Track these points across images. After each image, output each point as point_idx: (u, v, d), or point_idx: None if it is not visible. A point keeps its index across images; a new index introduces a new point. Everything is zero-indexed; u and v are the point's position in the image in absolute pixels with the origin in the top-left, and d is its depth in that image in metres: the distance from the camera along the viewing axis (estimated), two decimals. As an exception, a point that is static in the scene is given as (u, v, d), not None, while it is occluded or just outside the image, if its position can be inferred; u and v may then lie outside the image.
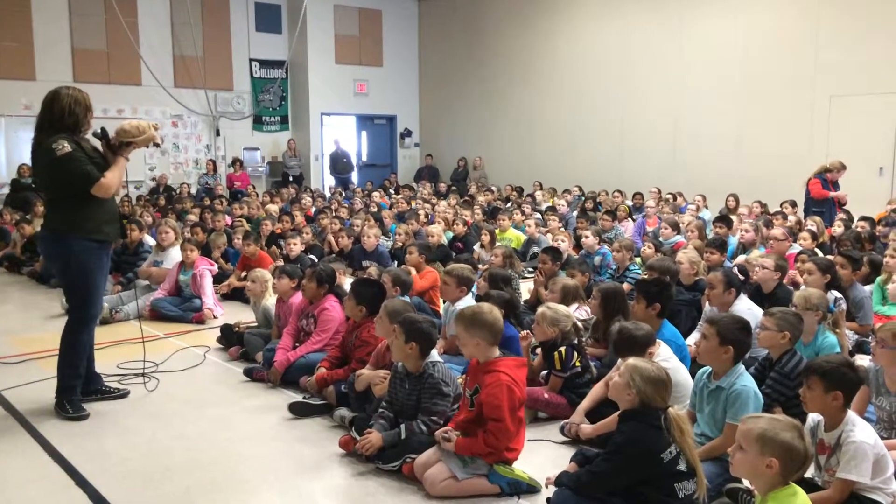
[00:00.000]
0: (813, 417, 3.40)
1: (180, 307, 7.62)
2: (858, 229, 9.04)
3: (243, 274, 8.04)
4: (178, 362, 6.13)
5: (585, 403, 4.52)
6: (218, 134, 18.54)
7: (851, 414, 3.33)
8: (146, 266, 8.33)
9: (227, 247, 9.38)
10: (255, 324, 6.60)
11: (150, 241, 9.06)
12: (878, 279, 6.56)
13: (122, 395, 5.26)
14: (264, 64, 18.98)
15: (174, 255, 8.15)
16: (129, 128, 4.87)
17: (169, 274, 7.90)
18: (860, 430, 3.26)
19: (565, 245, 8.51)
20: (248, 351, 6.10)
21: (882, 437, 3.89)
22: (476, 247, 10.00)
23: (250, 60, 18.80)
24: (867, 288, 6.48)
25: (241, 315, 7.18)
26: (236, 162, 17.99)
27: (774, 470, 2.61)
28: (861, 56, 12.36)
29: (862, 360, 4.64)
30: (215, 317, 7.57)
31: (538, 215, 12.17)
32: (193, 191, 16.90)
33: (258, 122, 19.20)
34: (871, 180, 12.28)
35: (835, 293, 5.74)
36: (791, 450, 2.60)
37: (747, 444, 2.67)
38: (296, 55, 18.94)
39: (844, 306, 5.78)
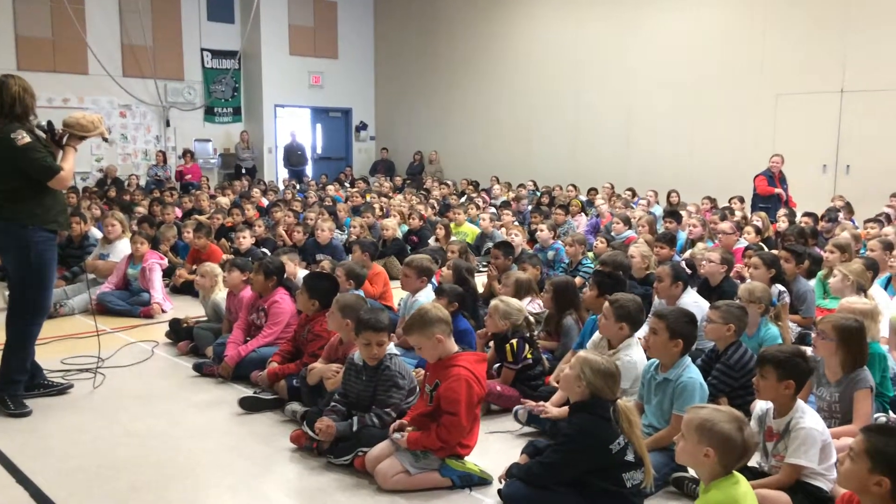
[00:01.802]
0: (762, 405, 3.50)
1: (128, 301, 7.46)
2: (802, 225, 9.30)
3: (193, 267, 7.90)
4: (126, 357, 6.01)
5: (557, 397, 4.52)
6: (168, 125, 18.17)
7: (800, 402, 3.44)
8: (92, 259, 8.14)
9: (176, 240, 9.21)
10: (205, 318, 6.49)
11: (96, 233, 8.84)
12: (820, 273, 6.76)
13: (66, 388, 5.13)
14: (216, 54, 18.65)
15: (121, 248, 7.98)
16: (84, 122, 4.80)
17: (117, 267, 7.73)
18: (809, 418, 3.37)
19: (519, 239, 8.56)
20: (198, 346, 6.01)
21: (822, 427, 4.03)
22: (431, 241, 9.99)
23: (202, 50, 18.45)
24: (810, 282, 6.67)
25: (191, 309, 7.06)
26: (187, 153, 17.64)
27: (712, 459, 2.67)
28: (805, 55, 12.69)
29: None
30: (164, 311, 7.43)
31: (493, 209, 12.22)
32: (143, 182, 16.55)
33: (210, 114, 18.87)
34: (815, 178, 12.63)
35: (779, 287, 5.89)
36: (728, 440, 2.67)
37: (688, 433, 2.74)
38: (249, 45, 18.65)
39: (788, 299, 5.95)
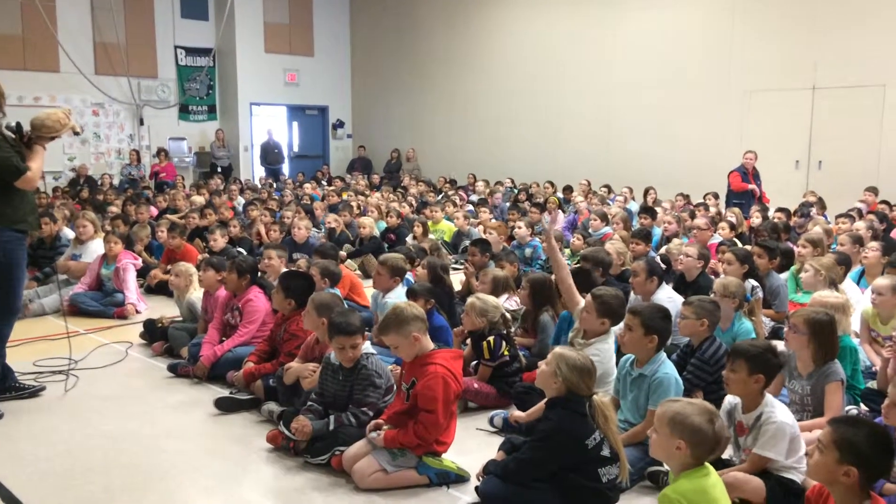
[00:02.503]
0: (730, 400, 3.54)
1: (101, 302, 7.38)
2: (775, 220, 9.42)
3: (168, 267, 7.82)
4: (99, 359, 5.93)
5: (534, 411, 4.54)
6: (142, 123, 17.97)
7: (769, 396, 3.48)
8: (64, 260, 8.03)
9: (150, 240, 9.11)
10: (180, 318, 6.43)
11: (69, 234, 8.73)
12: (793, 268, 6.84)
13: (37, 391, 5.06)
14: (190, 51, 18.46)
15: (93, 248, 7.88)
16: (50, 123, 4.74)
17: (90, 268, 7.64)
18: (780, 412, 3.41)
19: (494, 237, 8.58)
20: (173, 346, 5.94)
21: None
22: (408, 238, 9.98)
23: (175, 48, 18.26)
24: (783, 276, 6.75)
25: (166, 310, 6.99)
26: (161, 152, 17.46)
27: (683, 451, 2.70)
28: (776, 53, 12.84)
29: (777, 346, 4.83)
30: (138, 311, 7.35)
31: (470, 207, 12.24)
32: (116, 182, 16.36)
33: (185, 112, 18.68)
34: (787, 173, 12.78)
35: (752, 282, 5.95)
36: (699, 433, 2.69)
37: (660, 426, 2.76)
38: (223, 43, 18.49)
39: (761, 294, 6.00)
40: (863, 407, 4.41)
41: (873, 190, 11.10)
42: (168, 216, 10.84)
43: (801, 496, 3.35)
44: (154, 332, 6.23)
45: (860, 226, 8.29)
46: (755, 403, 3.45)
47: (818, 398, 3.98)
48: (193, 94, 18.63)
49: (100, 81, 17.01)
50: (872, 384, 4.61)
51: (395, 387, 4.16)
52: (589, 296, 4.53)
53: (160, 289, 8.05)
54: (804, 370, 4.07)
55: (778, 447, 3.33)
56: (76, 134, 5.05)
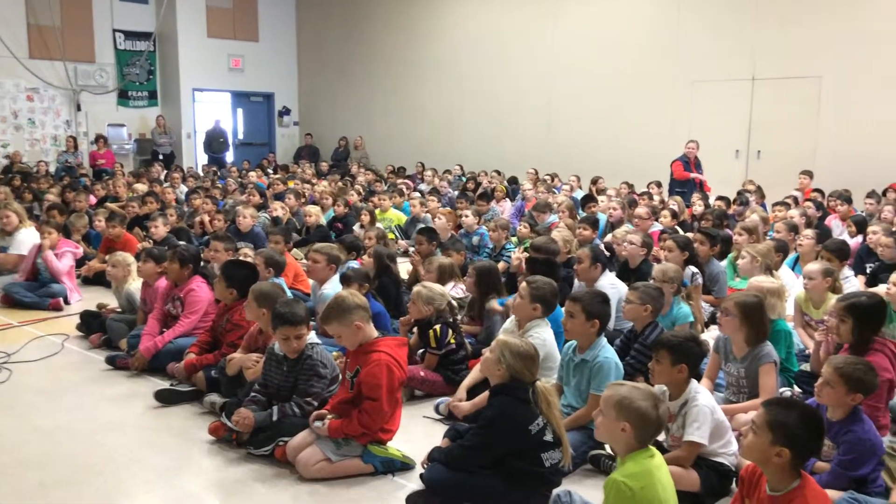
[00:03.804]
0: (659, 388, 3.61)
1: (37, 293, 7.14)
2: (716, 208, 9.63)
3: (106, 257, 7.61)
4: (33, 352, 5.75)
5: (468, 381, 4.57)
6: (79, 109, 17.38)
7: (694, 383, 3.57)
8: (-9, 251, 7.75)
9: (88, 229, 8.84)
10: (119, 309, 6.27)
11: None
12: (730, 255, 7.02)
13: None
14: (129, 35, 17.91)
15: (21, 238, 7.63)
16: None
17: (25, 259, 7.39)
18: (702, 397, 3.51)
19: (442, 223, 8.57)
20: (111, 338, 5.80)
21: (731, 401, 4.21)
22: (356, 227, 9.91)
23: (114, 31, 17.69)
24: (722, 263, 6.91)
25: (103, 301, 6.80)
26: (100, 139, 16.95)
27: (627, 434, 2.75)
28: (719, 44, 13.09)
29: (716, 331, 4.96)
30: (68, 303, 7.14)
31: (418, 194, 12.20)
32: (52, 169, 15.82)
33: (124, 97, 18.14)
34: (728, 163, 13.08)
35: (692, 268, 6.09)
36: (644, 416, 2.75)
37: (606, 409, 2.81)
38: (164, 27, 18.00)
39: (700, 280, 6.15)
40: (796, 389, 4.56)
41: (808, 173, 11.44)
42: (107, 205, 10.53)
43: (732, 478, 3.47)
44: (91, 324, 6.07)
45: (794, 214, 8.54)
46: (680, 391, 3.55)
47: (752, 380, 4.10)
48: (133, 80, 18.11)
49: (34, 66, 16.40)
50: (806, 367, 4.77)
51: (340, 377, 4.13)
52: (523, 282, 4.57)
53: (97, 280, 7.83)
54: (738, 353, 4.18)
55: (702, 430, 3.43)
56: None
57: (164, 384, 4.94)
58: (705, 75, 13.29)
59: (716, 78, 13.17)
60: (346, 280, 5.42)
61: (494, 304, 5.57)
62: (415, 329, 5.19)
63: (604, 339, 4.08)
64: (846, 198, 9.97)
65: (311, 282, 6.22)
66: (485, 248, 8.73)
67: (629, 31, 14.20)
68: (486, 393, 4.09)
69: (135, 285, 6.06)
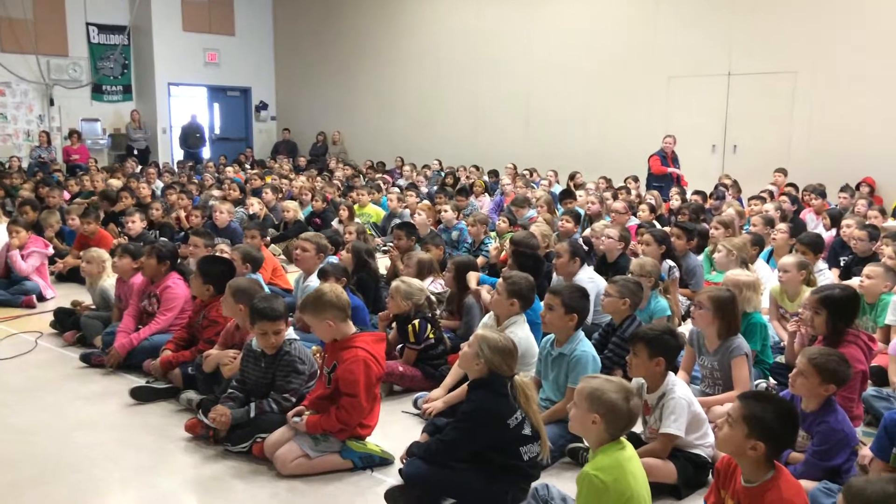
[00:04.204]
0: (637, 381, 3.64)
1: (9, 290, 7.03)
2: (693, 202, 9.71)
3: (80, 254, 7.50)
4: (6, 349, 5.67)
5: (449, 380, 4.56)
6: (52, 103, 17.14)
7: (671, 376, 3.60)
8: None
9: (61, 225, 8.72)
10: (93, 306, 6.19)
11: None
12: (707, 249, 7.08)
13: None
14: (103, 29, 17.68)
15: (-8, 235, 7.51)
16: None
17: (-2, 255, 7.29)
18: (680, 390, 3.54)
19: (421, 219, 8.56)
20: (86, 335, 5.73)
21: (706, 393, 4.25)
22: (334, 222, 9.87)
23: (87, 25, 17.45)
24: (699, 257, 6.97)
25: (77, 298, 6.71)
26: (74, 134, 16.72)
27: (598, 425, 2.77)
28: (695, 39, 13.17)
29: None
30: (43, 299, 7.04)
31: (396, 190, 12.18)
32: (25, 165, 15.57)
33: (98, 92, 17.91)
34: (704, 157, 13.18)
35: (669, 262, 6.13)
36: (614, 409, 2.77)
37: (578, 401, 2.83)
38: (138, 20, 17.78)
39: (678, 274, 6.19)
40: (771, 380, 4.60)
41: (782, 171, 11.59)
42: (78, 200, 10.39)
43: (708, 470, 3.50)
44: (65, 322, 5.99)
45: (769, 208, 8.62)
46: (658, 384, 3.57)
47: (726, 372, 4.14)
48: (107, 74, 17.88)
49: (6, 59, 16.14)
50: (781, 359, 4.82)
51: (318, 372, 4.11)
52: (500, 279, 4.56)
53: (72, 276, 7.73)
54: (711, 346, 4.23)
55: (679, 422, 3.46)
56: None
57: (140, 381, 4.89)
58: (682, 71, 13.38)
59: (692, 73, 13.25)
60: (323, 274, 5.39)
61: (474, 281, 5.55)
62: (393, 324, 5.17)
63: (582, 333, 4.10)
64: (820, 192, 10.09)
65: (293, 276, 6.17)
66: (464, 243, 8.73)
67: (607, 27, 14.25)
68: (462, 388, 4.12)
69: (109, 282, 5.98)
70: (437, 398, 4.40)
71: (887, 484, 2.22)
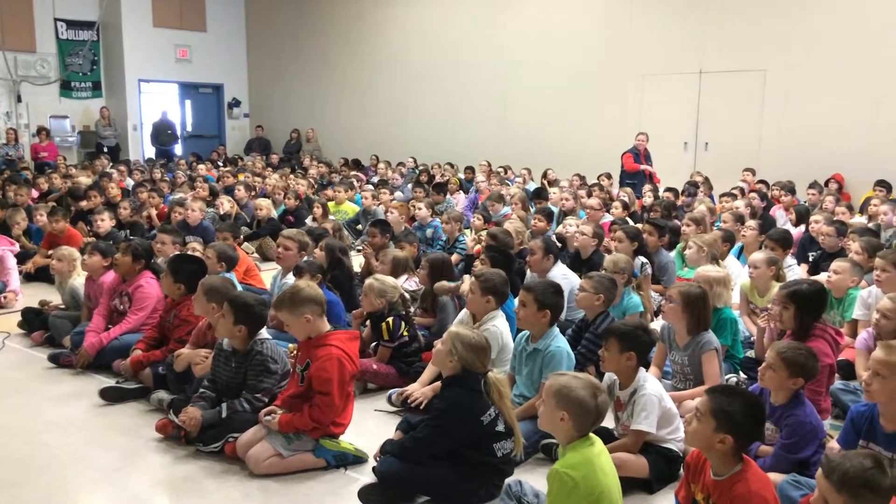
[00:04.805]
0: (609, 377, 3.67)
1: (-24, 291, 6.90)
2: (670, 199, 9.80)
3: (50, 252, 7.39)
4: (-28, 351, 5.57)
5: (426, 376, 4.55)
6: (20, 100, 16.84)
7: (643, 372, 3.63)
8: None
9: (28, 223, 8.57)
10: (63, 306, 6.10)
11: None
12: (679, 246, 7.14)
13: None
14: (72, 24, 17.40)
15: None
16: None
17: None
18: (650, 386, 3.57)
19: (394, 217, 8.54)
20: (54, 335, 5.64)
21: (677, 388, 4.29)
22: (308, 220, 9.82)
23: (55, 20, 17.17)
24: (671, 254, 7.03)
25: (46, 297, 6.60)
26: (42, 131, 16.45)
27: (566, 423, 2.78)
28: (668, 38, 13.29)
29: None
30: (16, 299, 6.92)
31: (370, 187, 12.15)
32: (-8, 162, 15.31)
33: (67, 88, 17.63)
34: (677, 154, 13.30)
35: (641, 258, 6.18)
36: (582, 405, 2.78)
37: (547, 398, 2.84)
38: (107, 16, 17.51)
39: (650, 271, 6.25)
40: (742, 375, 4.66)
41: (751, 171, 11.77)
42: (50, 199, 10.24)
43: (680, 463, 3.54)
44: (33, 321, 5.90)
45: (739, 204, 8.73)
46: (630, 380, 3.60)
47: (696, 368, 4.19)
48: (76, 70, 17.61)
49: (-29, 55, 15.84)
50: (751, 353, 4.89)
51: (291, 371, 4.08)
52: (472, 278, 4.57)
53: (41, 275, 7.60)
54: (681, 341, 4.27)
55: (650, 419, 3.49)
56: None
57: (110, 382, 4.83)
58: (655, 69, 13.49)
59: (665, 71, 13.37)
60: (298, 271, 5.36)
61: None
62: (367, 322, 5.16)
63: (556, 329, 4.11)
64: (790, 188, 10.23)
65: (266, 275, 6.13)
66: (438, 241, 8.73)
67: (581, 25, 14.32)
68: (439, 382, 4.11)
69: (79, 280, 5.89)
70: (414, 391, 4.39)
71: (865, 459, 2.31)
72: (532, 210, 9.39)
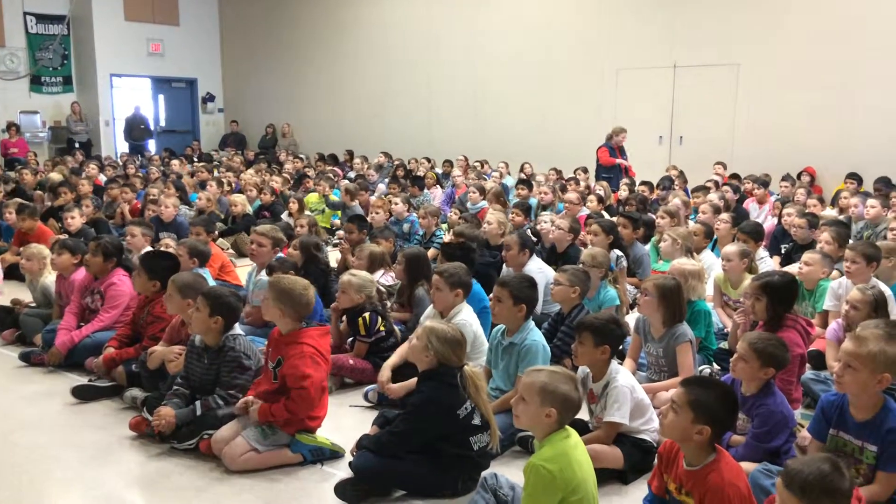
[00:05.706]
0: (582, 370, 3.69)
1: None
2: (644, 193, 9.87)
3: (20, 250, 7.26)
4: (-60, 350, 5.47)
5: (393, 360, 4.55)
6: (-12, 95, 16.57)
7: (614, 364, 3.66)
8: None
9: (-1, 220, 8.44)
10: (34, 304, 6.01)
11: None
12: (654, 239, 7.20)
13: None
14: (41, 18, 17.12)
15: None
16: None
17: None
18: (622, 378, 3.60)
19: (379, 216, 8.50)
20: (25, 334, 5.56)
21: (652, 380, 4.33)
22: (284, 215, 9.75)
23: (25, 14, 16.88)
24: (646, 247, 7.08)
25: (17, 296, 6.51)
26: (11, 127, 16.18)
27: (553, 419, 2.79)
28: (642, 32, 13.36)
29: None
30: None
31: (346, 182, 12.08)
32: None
33: (37, 83, 17.35)
34: (652, 148, 13.39)
35: (617, 252, 6.22)
36: (567, 400, 2.81)
37: (529, 396, 2.83)
38: (78, 10, 17.24)
39: (625, 264, 6.29)
40: (715, 366, 4.71)
41: (722, 164, 11.92)
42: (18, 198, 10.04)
43: (654, 454, 3.57)
44: (4, 320, 5.80)
45: (713, 198, 8.81)
46: (602, 373, 3.63)
47: (671, 359, 4.23)
48: (46, 65, 17.33)
49: (-63, 49, 15.53)
50: (724, 345, 4.94)
51: (263, 367, 4.06)
52: (435, 275, 4.56)
53: (11, 274, 7.48)
54: (656, 333, 4.31)
55: (622, 410, 3.52)
56: None
57: (83, 380, 4.77)
58: (629, 63, 13.55)
59: (639, 66, 13.44)
60: (270, 269, 5.33)
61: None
62: (344, 317, 5.14)
63: (532, 323, 4.13)
64: (763, 181, 10.35)
65: (241, 270, 6.08)
66: (415, 235, 8.72)
67: (556, 19, 14.35)
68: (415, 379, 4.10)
69: (50, 278, 5.80)
70: (386, 380, 4.38)
71: (822, 463, 2.31)
72: (510, 204, 9.41)
